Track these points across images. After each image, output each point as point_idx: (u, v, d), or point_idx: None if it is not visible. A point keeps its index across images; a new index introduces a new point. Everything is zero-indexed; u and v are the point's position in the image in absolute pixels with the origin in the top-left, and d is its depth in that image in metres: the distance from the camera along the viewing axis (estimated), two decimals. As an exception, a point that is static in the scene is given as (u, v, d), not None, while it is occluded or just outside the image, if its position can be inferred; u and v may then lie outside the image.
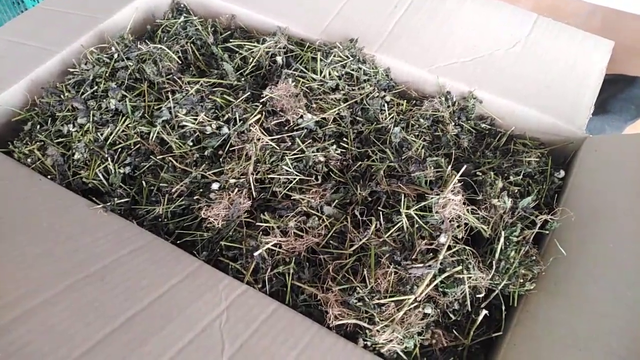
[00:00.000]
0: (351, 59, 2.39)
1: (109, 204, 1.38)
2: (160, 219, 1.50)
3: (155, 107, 2.02)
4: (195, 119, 1.98)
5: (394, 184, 1.84)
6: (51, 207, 1.24)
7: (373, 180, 1.65)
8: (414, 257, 1.22)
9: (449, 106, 2.29)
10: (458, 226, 1.36)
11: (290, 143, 1.94)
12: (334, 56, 2.34)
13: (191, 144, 1.97)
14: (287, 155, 1.90)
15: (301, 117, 2.09)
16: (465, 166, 1.62)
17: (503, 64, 2.26)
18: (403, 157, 1.95)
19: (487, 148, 2.23)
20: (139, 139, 1.87)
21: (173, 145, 1.91)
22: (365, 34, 2.42)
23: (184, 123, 1.98)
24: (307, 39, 2.51)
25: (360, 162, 1.81)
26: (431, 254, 1.27)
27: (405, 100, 2.32)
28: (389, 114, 2.22)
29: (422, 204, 1.39)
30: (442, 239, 1.23)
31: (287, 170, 1.80)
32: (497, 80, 2.21)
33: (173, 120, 1.96)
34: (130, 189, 1.61)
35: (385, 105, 2.29)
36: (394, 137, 2.03)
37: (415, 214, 1.36)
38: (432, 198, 1.37)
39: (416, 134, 2.15)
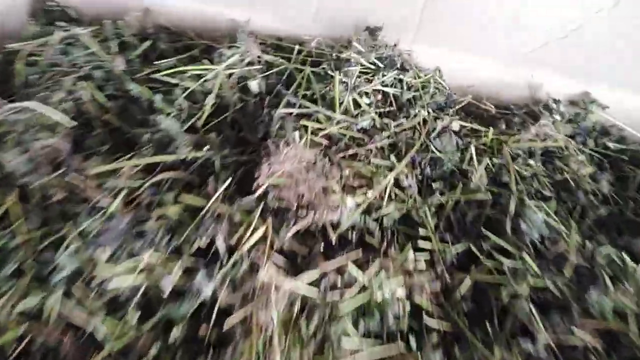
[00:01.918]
0: (382, 66, 1.35)
1: None
2: None
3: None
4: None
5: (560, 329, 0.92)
6: None
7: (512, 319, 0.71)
8: None
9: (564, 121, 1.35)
10: None
11: (337, 297, 0.94)
12: (353, 65, 1.30)
13: (135, 322, 0.92)
14: (336, 324, 0.90)
15: (338, 211, 1.07)
16: None
17: (603, 39, 1.33)
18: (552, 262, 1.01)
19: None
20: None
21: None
22: (383, 15, 1.39)
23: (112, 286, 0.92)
24: (291, 36, 1.44)
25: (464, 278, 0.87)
26: None
27: (489, 129, 1.35)
28: (477, 161, 1.24)
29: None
30: None
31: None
32: (611, 65, 1.28)
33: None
34: None
35: (459, 141, 1.30)
36: (529, 222, 1.07)
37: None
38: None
39: (528, 189, 1.20)
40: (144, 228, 1.02)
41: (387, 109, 1.38)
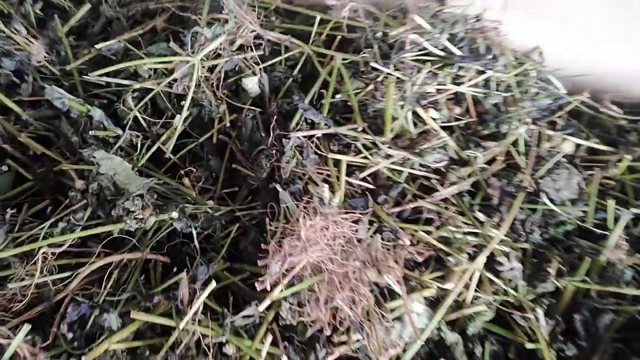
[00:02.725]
0: (459, 53, 0.83)
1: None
2: None
3: None
4: None
5: None
6: None
7: None
8: None
9: None
10: None
11: None
12: (410, 50, 0.79)
13: None
14: None
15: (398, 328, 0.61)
16: None
17: None
18: None
19: None
20: None
21: None
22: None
23: None
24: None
25: None
26: None
27: (620, 149, 0.87)
28: (610, 215, 0.76)
29: None
30: None
31: None
32: None
33: None
34: None
35: (580, 181, 0.81)
36: None
37: None
38: None
39: None
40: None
41: (461, 119, 0.87)
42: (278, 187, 0.78)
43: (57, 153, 0.87)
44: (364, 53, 0.86)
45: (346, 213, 0.72)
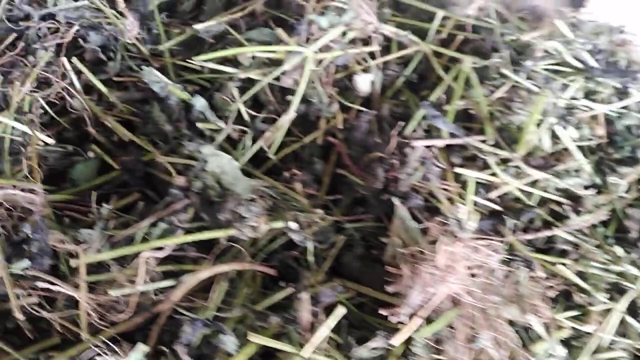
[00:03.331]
0: (598, 67, 0.74)
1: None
2: None
3: None
4: None
5: None
6: None
7: None
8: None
9: None
10: None
11: None
12: (544, 58, 0.71)
13: None
14: None
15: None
16: None
17: None
18: None
19: None
20: None
21: None
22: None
23: None
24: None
25: None
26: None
27: None
28: None
29: None
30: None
31: None
32: None
33: None
34: None
35: None
36: None
37: None
38: None
39: None
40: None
41: (591, 139, 0.79)
42: (396, 201, 0.71)
43: (146, 141, 0.80)
44: (497, 58, 0.77)
45: (478, 238, 0.65)
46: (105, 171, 0.81)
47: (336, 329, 0.61)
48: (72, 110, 0.78)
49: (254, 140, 0.77)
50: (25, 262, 0.59)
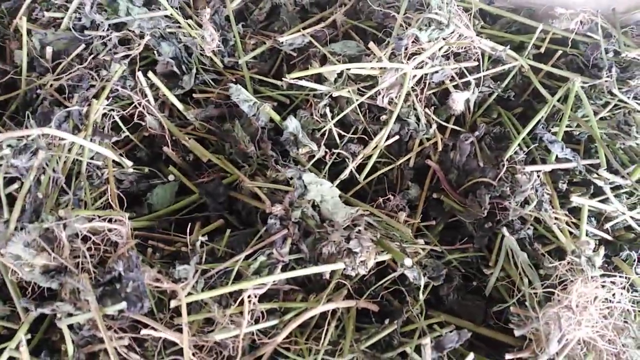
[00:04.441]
0: None
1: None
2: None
3: None
4: None
5: None
6: None
7: None
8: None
9: None
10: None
11: None
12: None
13: None
14: None
15: None
16: None
17: None
18: None
19: None
20: None
21: None
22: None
23: None
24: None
25: None
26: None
27: None
28: None
29: None
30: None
31: None
32: None
33: None
34: None
35: None
36: None
37: None
38: None
39: None
40: None
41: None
42: (505, 231, 0.66)
43: (224, 162, 0.74)
44: (605, 77, 0.72)
45: (606, 275, 0.60)
46: (180, 194, 0.75)
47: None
48: (149, 129, 0.73)
49: (344, 162, 0.72)
50: (122, 304, 0.54)
